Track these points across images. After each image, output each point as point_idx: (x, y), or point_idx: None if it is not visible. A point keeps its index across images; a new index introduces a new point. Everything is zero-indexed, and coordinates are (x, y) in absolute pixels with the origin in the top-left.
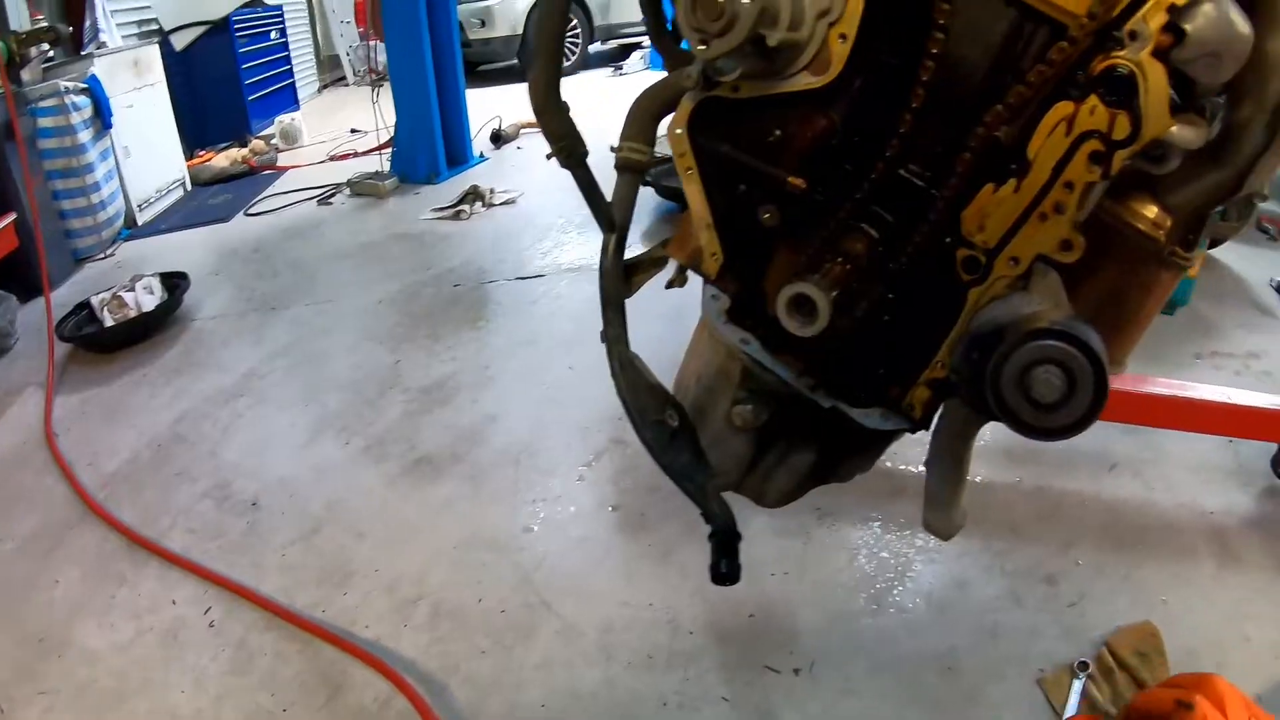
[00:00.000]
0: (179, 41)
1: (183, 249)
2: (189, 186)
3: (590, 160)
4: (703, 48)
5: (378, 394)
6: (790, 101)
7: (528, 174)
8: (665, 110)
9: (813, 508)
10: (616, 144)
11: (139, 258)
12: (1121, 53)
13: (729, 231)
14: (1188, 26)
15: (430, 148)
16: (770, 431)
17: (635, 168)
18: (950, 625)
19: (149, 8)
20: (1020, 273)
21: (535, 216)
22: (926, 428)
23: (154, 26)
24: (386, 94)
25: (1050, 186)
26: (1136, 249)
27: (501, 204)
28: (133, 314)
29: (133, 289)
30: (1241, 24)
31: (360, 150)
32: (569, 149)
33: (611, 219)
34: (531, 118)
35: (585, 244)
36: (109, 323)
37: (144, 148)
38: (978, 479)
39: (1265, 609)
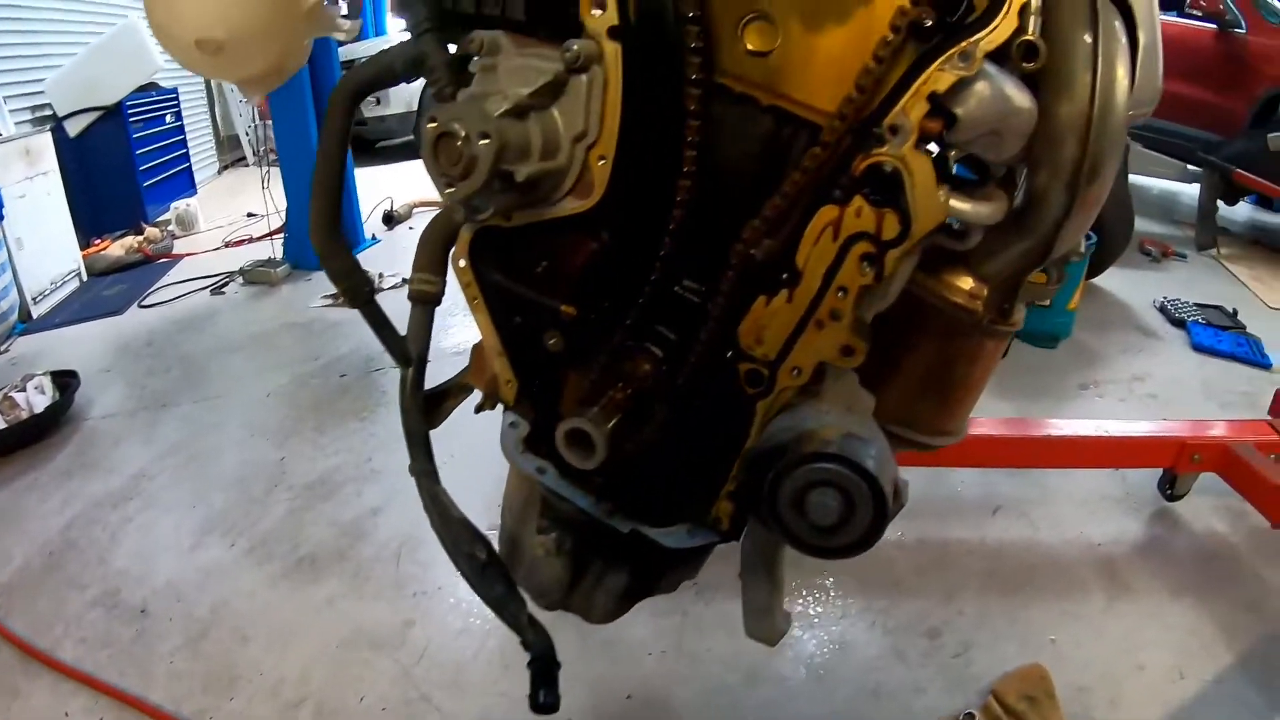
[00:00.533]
0: (73, 128)
1: (77, 343)
2: (84, 277)
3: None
4: (450, 190)
5: (264, 492)
6: (559, 227)
7: None
8: (453, 237)
9: (689, 584)
10: (408, 276)
11: (34, 353)
12: (883, 150)
13: (520, 358)
14: (958, 110)
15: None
16: (583, 553)
17: (427, 299)
18: (831, 690)
19: (42, 93)
20: (804, 382)
21: None
22: (737, 538)
23: (48, 112)
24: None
25: (823, 294)
26: (955, 321)
27: (391, 288)
28: (24, 415)
29: (24, 389)
30: (1020, 98)
31: (255, 236)
32: (354, 289)
33: (406, 353)
34: (425, 196)
35: (469, 327)
36: (0, 425)
37: (37, 239)
38: None
39: (1158, 634)
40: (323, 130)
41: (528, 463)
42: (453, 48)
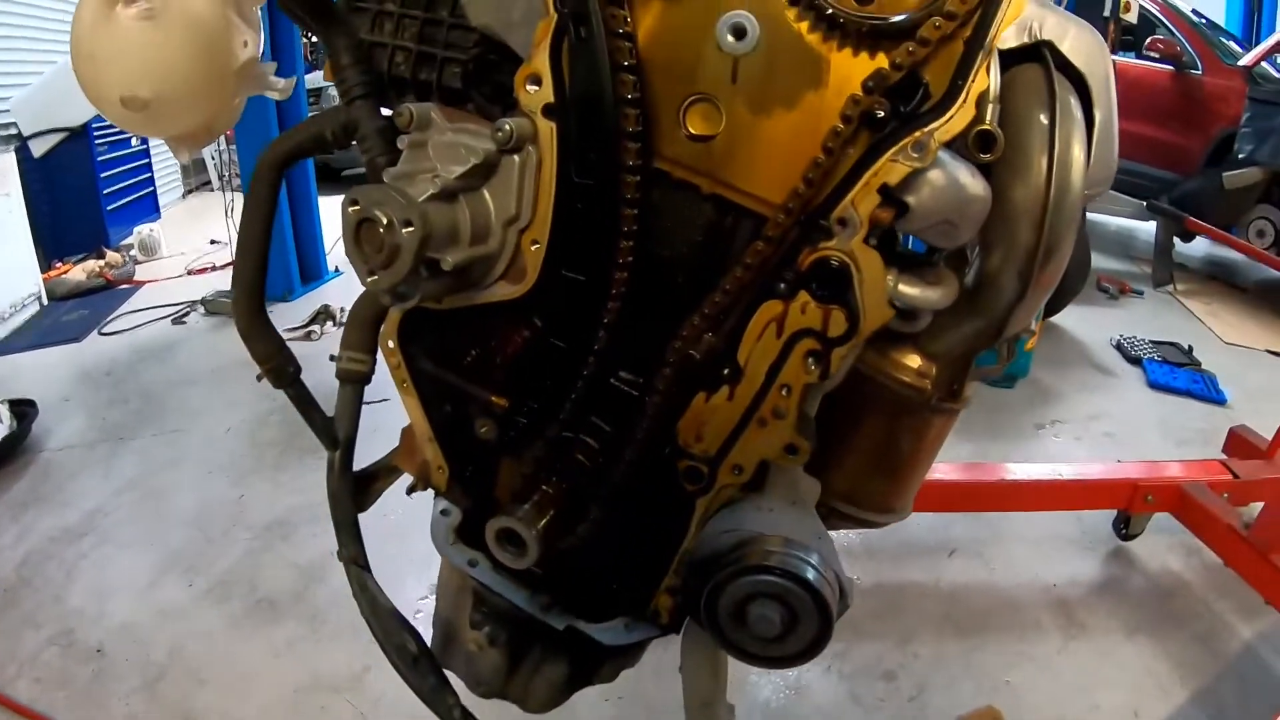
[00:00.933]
0: (38, 148)
1: (36, 370)
2: (45, 301)
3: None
4: (372, 279)
5: (222, 531)
6: (491, 312)
7: None
8: (382, 315)
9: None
10: (337, 352)
11: None
12: (830, 244)
13: (451, 445)
14: (910, 200)
15: (283, 264)
16: (519, 644)
17: (356, 378)
18: None
19: (7, 113)
20: (746, 480)
21: None
22: (677, 631)
23: (13, 132)
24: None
25: (766, 392)
26: (903, 400)
27: None
28: None
29: None
30: (975, 186)
31: (218, 264)
32: (278, 370)
33: (334, 435)
34: None
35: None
36: None
37: None
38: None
39: (1113, 673)
40: (246, 202)
41: (458, 555)
42: (387, 111)
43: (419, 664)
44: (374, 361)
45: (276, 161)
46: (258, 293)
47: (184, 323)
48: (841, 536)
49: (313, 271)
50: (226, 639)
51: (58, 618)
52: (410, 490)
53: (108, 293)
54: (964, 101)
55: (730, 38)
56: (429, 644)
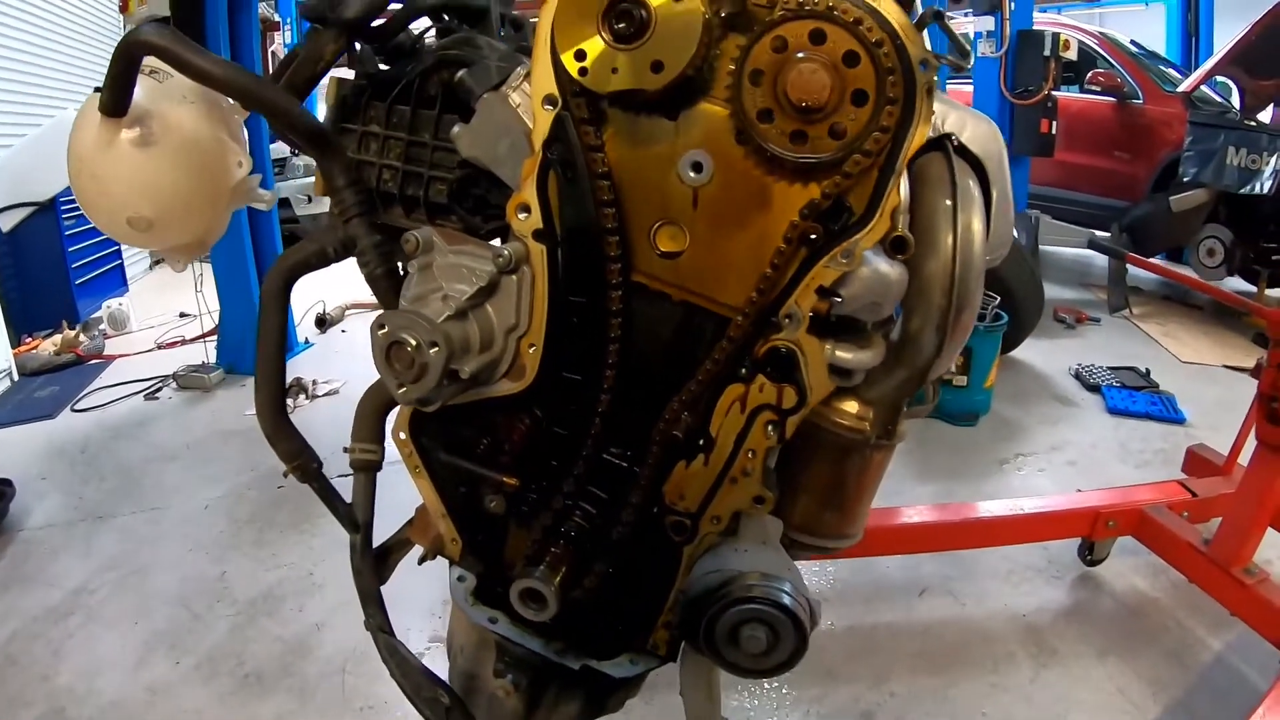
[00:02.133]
0: (6, 222)
1: (9, 447)
2: (15, 376)
3: None
4: (402, 391)
5: (206, 608)
6: (497, 406)
7: (352, 361)
8: (389, 407)
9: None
10: (349, 445)
11: None
12: (780, 335)
13: (464, 519)
14: (843, 292)
15: (254, 338)
16: (537, 687)
17: (369, 467)
18: None
19: None
20: (723, 528)
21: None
22: (674, 660)
23: None
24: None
25: (735, 456)
26: (847, 441)
27: (325, 394)
28: None
29: None
30: (892, 273)
31: (188, 337)
32: (303, 466)
33: (354, 519)
34: (358, 298)
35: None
36: None
37: None
38: None
39: (1086, 695)
40: (260, 322)
41: (480, 614)
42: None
43: (451, 715)
44: (383, 450)
45: (282, 283)
46: (280, 398)
47: (156, 398)
48: (814, 583)
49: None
50: (215, 715)
51: (47, 696)
52: (422, 560)
53: (78, 368)
54: (880, 216)
55: (690, 172)
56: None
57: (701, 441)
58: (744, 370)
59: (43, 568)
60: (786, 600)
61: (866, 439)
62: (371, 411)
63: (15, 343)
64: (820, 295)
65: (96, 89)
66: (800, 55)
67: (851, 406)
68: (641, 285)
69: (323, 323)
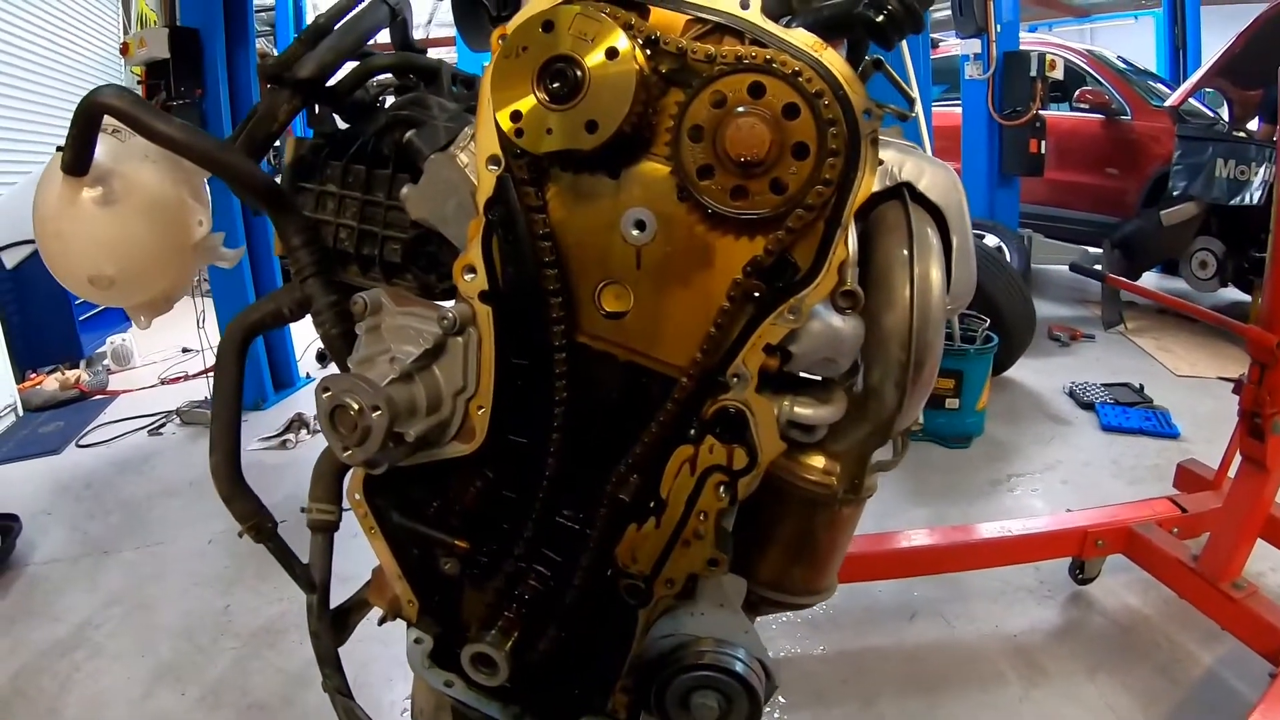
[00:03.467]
0: (10, 259)
1: (14, 483)
2: (20, 412)
3: None
4: (347, 454)
5: (210, 640)
6: (448, 468)
7: None
8: (344, 469)
9: None
10: (306, 505)
11: None
12: (728, 395)
13: (419, 581)
14: (793, 348)
15: (256, 373)
16: None
17: (326, 528)
18: None
19: None
20: (677, 592)
21: None
22: None
23: None
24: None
25: (686, 518)
26: (813, 496)
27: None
28: None
29: None
30: (845, 327)
31: (191, 373)
32: (258, 526)
33: (311, 580)
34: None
35: None
36: None
37: None
38: (781, 654)
39: (1076, 713)
40: (216, 376)
41: (435, 678)
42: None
43: None
44: (340, 511)
45: (239, 340)
46: (234, 457)
47: (160, 434)
48: (806, 610)
49: (285, 379)
50: None
51: None
52: (381, 621)
53: (83, 404)
54: (827, 270)
55: (633, 231)
56: None
57: (652, 504)
58: (692, 431)
59: (49, 602)
60: (739, 667)
61: (834, 494)
62: (328, 472)
63: (20, 379)
64: (769, 353)
65: (59, 148)
66: (740, 110)
67: (818, 461)
68: (586, 346)
69: (324, 358)
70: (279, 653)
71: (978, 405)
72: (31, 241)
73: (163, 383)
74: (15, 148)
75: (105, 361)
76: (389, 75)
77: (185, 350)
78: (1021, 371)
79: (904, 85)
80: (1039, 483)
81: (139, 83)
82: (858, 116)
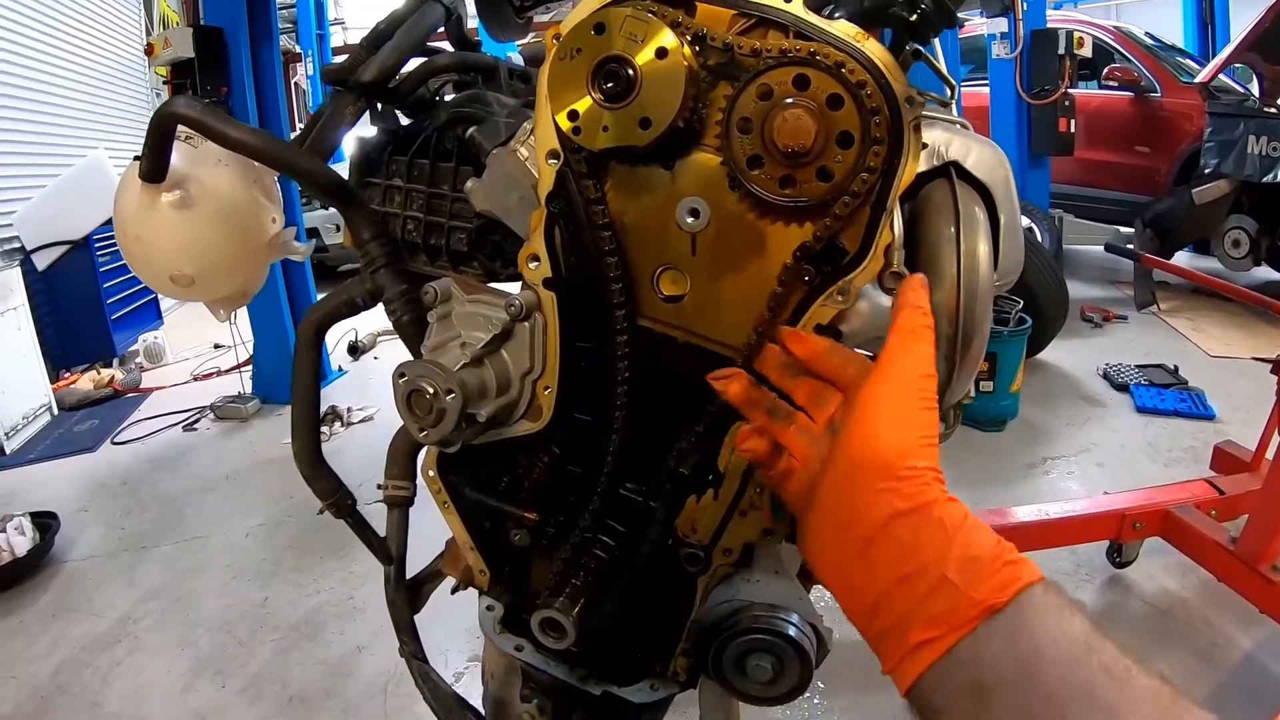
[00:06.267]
0: (41, 261)
1: (51, 481)
2: (55, 411)
3: None
4: (423, 434)
5: (249, 633)
6: (516, 445)
7: (384, 387)
8: (419, 447)
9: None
10: (382, 482)
11: (8, 492)
12: None
13: (490, 552)
14: (843, 329)
15: (289, 368)
16: (563, 713)
17: (402, 503)
18: None
19: (10, 226)
20: (735, 560)
21: (391, 433)
22: (694, 686)
23: (16, 245)
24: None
25: (743, 491)
26: None
27: (360, 421)
28: (6, 558)
29: (4, 530)
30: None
31: (223, 369)
32: (339, 503)
33: (388, 552)
34: (389, 326)
35: None
36: None
37: (8, 374)
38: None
39: None
40: (295, 365)
41: (506, 642)
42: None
43: None
44: (415, 487)
45: (315, 328)
46: (315, 439)
47: (195, 429)
48: None
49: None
50: None
51: None
52: (454, 590)
53: (116, 401)
54: (874, 253)
55: (688, 218)
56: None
57: (710, 477)
58: None
59: (88, 598)
60: (791, 631)
61: None
62: (403, 451)
63: (54, 378)
64: (819, 333)
65: (136, 156)
66: (786, 102)
67: None
68: (647, 329)
69: (355, 350)
70: (319, 644)
71: (1012, 387)
72: (62, 243)
73: (195, 379)
74: (41, 152)
75: (138, 360)
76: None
77: (217, 346)
78: (1055, 353)
79: (944, 72)
80: (1075, 465)
81: (164, 83)
82: (900, 104)
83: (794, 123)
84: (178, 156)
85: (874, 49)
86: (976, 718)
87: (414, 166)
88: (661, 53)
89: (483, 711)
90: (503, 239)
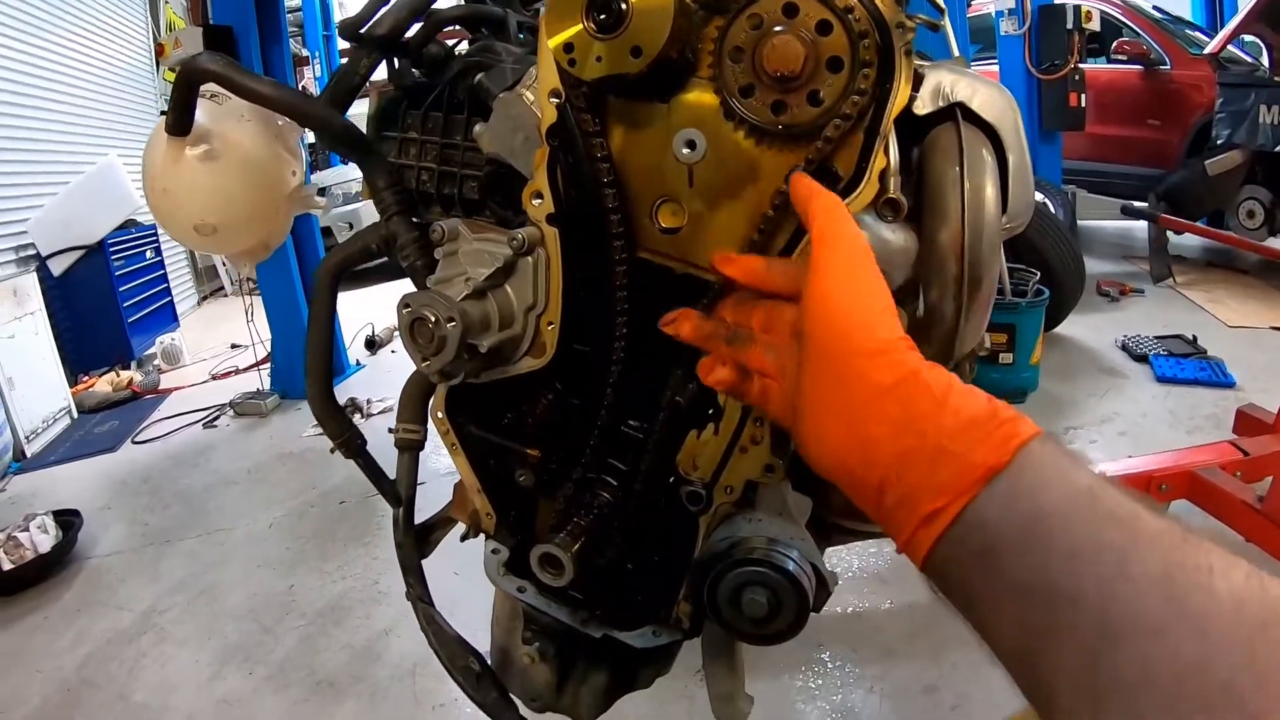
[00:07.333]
0: (57, 267)
1: (73, 481)
2: (75, 414)
3: None
4: (425, 364)
5: (275, 621)
6: (520, 382)
7: (403, 379)
8: (430, 390)
9: (693, 670)
10: (394, 426)
11: (30, 492)
12: None
13: (497, 493)
14: None
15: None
16: (565, 658)
17: (412, 446)
18: None
19: (25, 233)
20: (737, 498)
21: None
22: (698, 635)
23: (31, 252)
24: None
25: (743, 425)
26: None
27: (380, 413)
28: (30, 555)
29: (27, 529)
30: (895, 239)
31: (241, 367)
32: (349, 442)
33: (398, 494)
34: None
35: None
36: (7, 566)
37: (28, 377)
38: (849, 610)
39: None
40: (311, 309)
41: (509, 584)
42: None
43: (482, 681)
44: (425, 430)
45: (332, 270)
46: (327, 381)
47: (214, 426)
48: (871, 564)
49: (336, 366)
50: None
51: (124, 714)
52: (464, 537)
53: (135, 403)
54: (869, 178)
55: (684, 149)
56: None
57: (710, 411)
58: None
59: (113, 592)
60: (790, 565)
61: None
62: (414, 394)
63: (73, 382)
64: None
65: (162, 112)
66: (777, 29)
67: None
68: (646, 260)
69: (372, 344)
70: (345, 630)
71: (1032, 359)
72: (77, 248)
73: (214, 378)
74: (54, 159)
75: (156, 361)
76: (461, 27)
77: (234, 346)
78: (1073, 327)
79: None
80: (1097, 434)
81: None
82: (890, 28)
83: (783, 49)
84: (202, 112)
85: None
86: (989, 581)
87: (428, 119)
88: None
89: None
90: (514, 185)
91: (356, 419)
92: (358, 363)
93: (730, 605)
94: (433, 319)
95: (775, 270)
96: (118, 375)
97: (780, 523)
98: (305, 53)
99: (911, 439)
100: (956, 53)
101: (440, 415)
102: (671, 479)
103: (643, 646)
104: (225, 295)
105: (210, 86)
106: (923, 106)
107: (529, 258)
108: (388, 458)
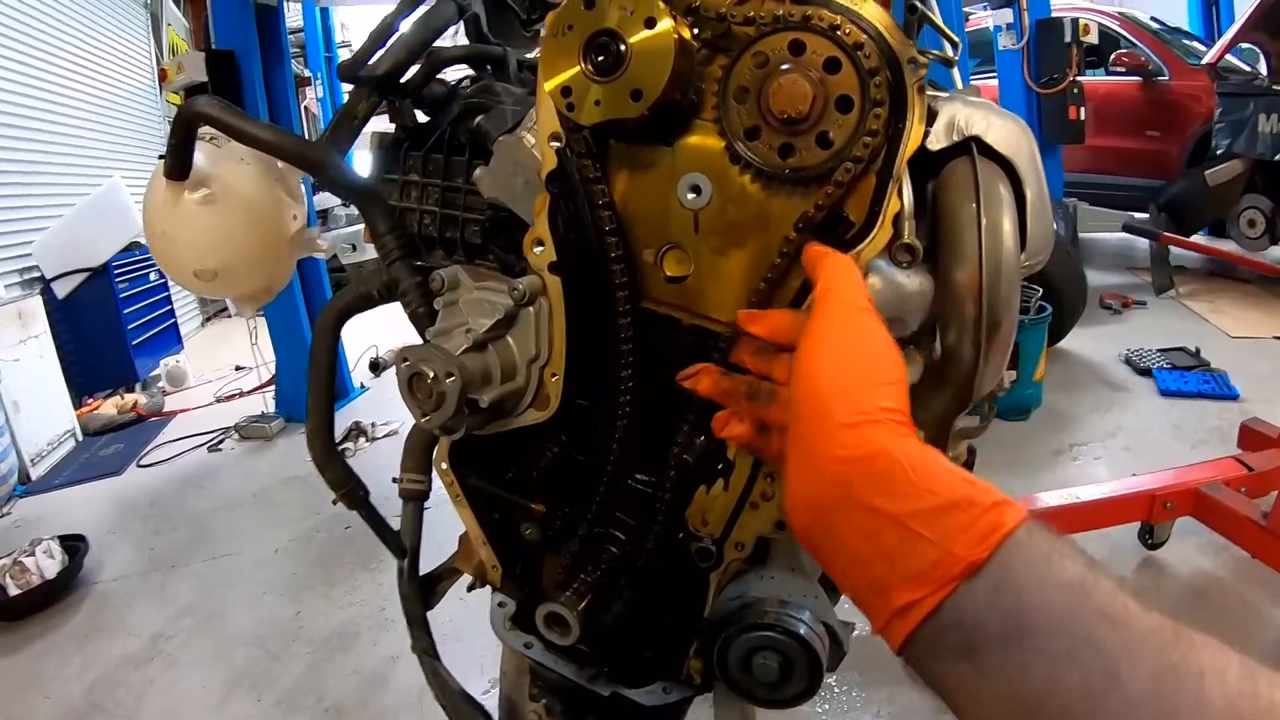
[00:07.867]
0: (61, 289)
1: (79, 506)
2: (80, 437)
3: None
4: (425, 419)
5: (282, 647)
6: (524, 435)
7: None
8: (434, 440)
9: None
10: (398, 476)
11: (36, 516)
12: None
13: (502, 546)
14: None
15: None
16: (573, 715)
17: (417, 496)
18: None
19: (30, 256)
20: (748, 555)
21: None
22: (709, 690)
23: (36, 275)
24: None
25: (754, 480)
26: None
27: (384, 436)
28: (36, 580)
29: (33, 554)
30: (909, 284)
31: (246, 390)
32: (351, 493)
33: (402, 546)
34: (410, 342)
35: None
36: (13, 591)
37: (33, 401)
38: (855, 634)
39: None
40: (312, 353)
41: (515, 639)
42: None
43: None
44: (430, 481)
45: (334, 318)
46: (329, 429)
47: (220, 449)
48: None
49: (340, 390)
50: None
51: None
52: (470, 588)
53: (140, 425)
54: (882, 224)
55: (689, 194)
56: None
57: (720, 466)
58: None
59: (120, 617)
60: (801, 629)
61: None
62: (417, 445)
63: (77, 405)
64: None
65: (161, 155)
66: (783, 67)
67: None
68: (651, 311)
69: (376, 367)
70: (353, 656)
71: (1035, 376)
72: (81, 271)
73: (218, 401)
74: (58, 181)
75: (160, 384)
76: (465, 67)
77: (238, 368)
78: (1076, 341)
79: (946, 29)
80: (1101, 450)
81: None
82: (902, 65)
83: (790, 88)
84: (201, 155)
85: (872, 10)
86: (970, 683)
87: (429, 161)
88: (650, 23)
89: (492, 713)
90: (515, 229)
91: (361, 442)
92: (362, 385)
93: (741, 670)
94: (431, 374)
95: (802, 326)
96: (122, 398)
97: (793, 580)
98: (307, 73)
99: (879, 523)
100: (961, 85)
101: (444, 467)
102: (680, 534)
103: (652, 704)
104: (229, 316)
105: (209, 129)
106: (936, 141)
107: (531, 308)
108: (393, 466)
